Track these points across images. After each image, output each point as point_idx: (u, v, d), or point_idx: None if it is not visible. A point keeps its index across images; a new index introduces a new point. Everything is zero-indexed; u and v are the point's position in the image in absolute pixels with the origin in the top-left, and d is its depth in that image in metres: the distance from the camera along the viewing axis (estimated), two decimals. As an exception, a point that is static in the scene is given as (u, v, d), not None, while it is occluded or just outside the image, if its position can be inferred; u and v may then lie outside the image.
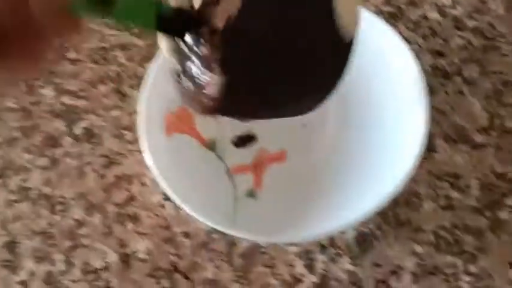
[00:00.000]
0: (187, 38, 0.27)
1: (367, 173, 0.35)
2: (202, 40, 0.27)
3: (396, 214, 0.36)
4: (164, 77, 0.40)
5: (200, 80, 0.27)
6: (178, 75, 0.28)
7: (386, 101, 0.38)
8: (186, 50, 0.27)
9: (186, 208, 0.34)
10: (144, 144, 0.37)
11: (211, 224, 0.34)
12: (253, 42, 0.26)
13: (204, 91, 0.27)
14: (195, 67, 0.27)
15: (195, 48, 0.27)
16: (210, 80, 0.29)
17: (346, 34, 0.26)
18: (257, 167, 0.38)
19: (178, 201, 0.35)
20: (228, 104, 0.28)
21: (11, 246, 0.39)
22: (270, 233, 0.34)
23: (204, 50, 0.27)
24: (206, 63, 0.27)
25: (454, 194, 0.37)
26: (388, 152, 0.35)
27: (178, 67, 0.28)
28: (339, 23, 0.26)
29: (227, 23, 0.25)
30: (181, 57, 0.28)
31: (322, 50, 0.27)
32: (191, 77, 0.27)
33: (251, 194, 0.37)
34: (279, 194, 0.36)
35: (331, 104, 0.36)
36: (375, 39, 0.39)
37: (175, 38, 0.27)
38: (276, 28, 0.26)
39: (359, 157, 0.36)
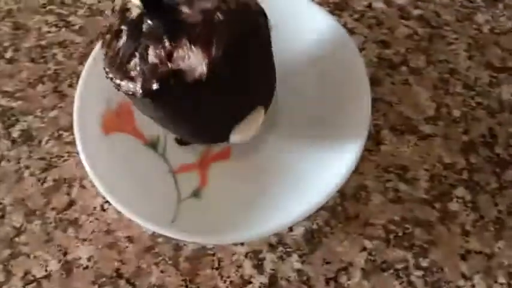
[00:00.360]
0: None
1: (312, 167, 0.34)
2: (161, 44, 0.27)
3: (344, 209, 0.35)
4: (101, 73, 0.38)
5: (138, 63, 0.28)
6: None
7: (328, 93, 0.37)
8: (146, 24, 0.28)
9: (126, 212, 0.33)
10: (80, 145, 0.35)
11: (152, 228, 0.33)
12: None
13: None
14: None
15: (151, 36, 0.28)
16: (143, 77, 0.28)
17: None
18: (202, 165, 0.37)
19: (117, 205, 0.33)
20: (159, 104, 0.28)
21: None
22: (215, 234, 0.33)
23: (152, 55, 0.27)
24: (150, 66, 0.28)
25: (403, 187, 0.36)
26: (331, 146, 0.34)
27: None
28: None
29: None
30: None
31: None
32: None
33: (196, 194, 0.35)
34: (224, 193, 0.35)
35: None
36: (315, 29, 0.38)
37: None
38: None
39: (302, 152, 0.35)
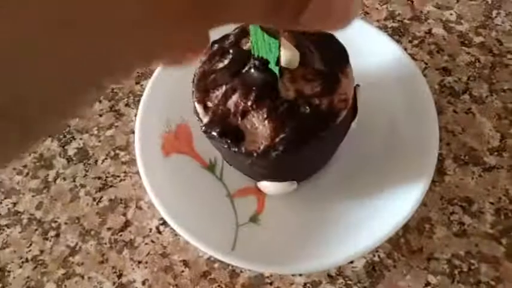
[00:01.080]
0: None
1: (377, 199, 0.33)
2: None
3: (407, 241, 0.34)
4: (161, 95, 0.38)
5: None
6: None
7: (394, 122, 0.36)
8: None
9: (184, 234, 0.32)
10: (141, 166, 0.35)
11: (210, 252, 0.32)
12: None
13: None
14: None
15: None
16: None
17: None
18: (260, 190, 0.36)
19: (175, 227, 0.33)
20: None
21: (0, 274, 0.37)
22: (273, 263, 0.32)
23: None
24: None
25: (468, 220, 0.35)
26: (397, 177, 0.33)
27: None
28: None
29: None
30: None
31: None
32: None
33: (253, 219, 0.35)
34: (283, 220, 0.34)
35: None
36: (381, 56, 0.38)
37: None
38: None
39: (368, 183, 0.34)
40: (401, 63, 0.37)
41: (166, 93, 0.38)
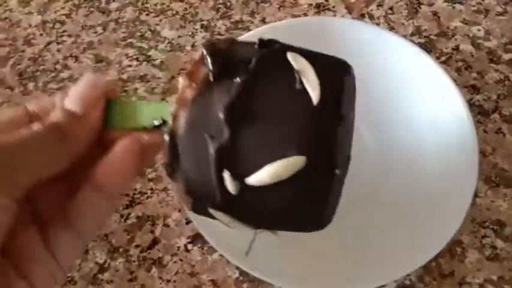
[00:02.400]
0: None
1: (412, 224, 0.33)
2: None
3: (439, 265, 0.34)
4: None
5: None
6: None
7: (430, 145, 0.36)
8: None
9: (210, 241, 0.33)
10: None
11: (221, 252, 0.33)
12: None
13: None
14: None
15: None
16: None
17: None
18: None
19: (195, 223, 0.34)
20: None
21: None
22: (290, 277, 0.32)
23: None
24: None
25: (500, 244, 0.35)
26: (433, 202, 0.33)
27: None
28: None
29: None
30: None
31: None
32: None
33: None
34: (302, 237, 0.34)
35: (367, 152, 0.35)
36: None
37: None
38: None
39: (401, 207, 0.34)
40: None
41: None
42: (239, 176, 0.23)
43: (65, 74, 0.47)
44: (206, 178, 0.23)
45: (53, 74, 0.47)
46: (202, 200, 0.24)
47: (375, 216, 0.35)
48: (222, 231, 0.33)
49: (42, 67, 0.48)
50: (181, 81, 0.25)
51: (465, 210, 0.32)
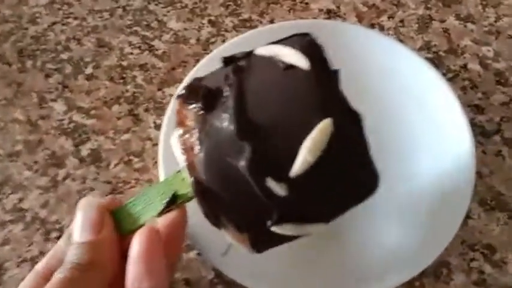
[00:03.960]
0: None
1: (398, 239, 0.32)
2: None
3: (423, 285, 0.33)
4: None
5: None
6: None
7: (426, 161, 0.35)
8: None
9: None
10: (161, 175, 0.35)
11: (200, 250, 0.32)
12: None
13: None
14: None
15: None
16: None
17: None
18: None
19: None
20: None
21: (-3, 271, 0.36)
22: (262, 281, 0.31)
23: None
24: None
25: (488, 269, 0.33)
26: (422, 219, 0.32)
27: None
28: None
29: None
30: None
31: None
32: None
33: None
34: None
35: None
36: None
37: None
38: None
39: (389, 219, 0.33)
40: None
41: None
42: (281, 176, 0.22)
43: (64, 56, 0.46)
44: (252, 199, 0.22)
45: (53, 55, 0.46)
46: (260, 224, 0.23)
47: (362, 225, 0.34)
48: (201, 231, 0.32)
49: (43, 46, 0.47)
50: (177, 133, 0.25)
51: (455, 229, 0.31)
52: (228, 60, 0.26)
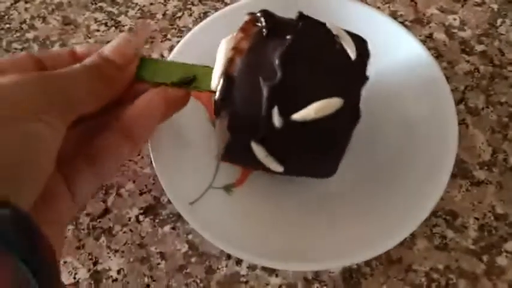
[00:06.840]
0: None
1: (384, 207, 0.34)
2: None
3: (387, 251, 0.34)
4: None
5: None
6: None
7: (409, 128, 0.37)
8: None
9: (158, 171, 0.34)
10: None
11: (169, 196, 0.33)
12: None
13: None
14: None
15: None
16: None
17: None
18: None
19: (154, 163, 0.34)
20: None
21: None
22: (224, 239, 0.32)
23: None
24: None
25: (450, 234, 0.35)
26: (403, 190, 0.34)
27: None
28: None
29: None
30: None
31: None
32: None
33: (227, 189, 0.35)
34: (257, 204, 0.35)
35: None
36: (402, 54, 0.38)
37: None
38: None
39: (370, 192, 0.35)
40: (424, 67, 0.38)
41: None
42: (286, 113, 0.26)
43: (30, 35, 0.46)
44: (255, 113, 0.27)
45: (18, 34, 0.46)
46: (245, 134, 0.28)
47: (353, 190, 0.35)
48: (174, 180, 0.34)
49: (7, 25, 0.46)
50: (237, 34, 0.29)
51: (439, 195, 0.32)
52: (302, 16, 0.29)
